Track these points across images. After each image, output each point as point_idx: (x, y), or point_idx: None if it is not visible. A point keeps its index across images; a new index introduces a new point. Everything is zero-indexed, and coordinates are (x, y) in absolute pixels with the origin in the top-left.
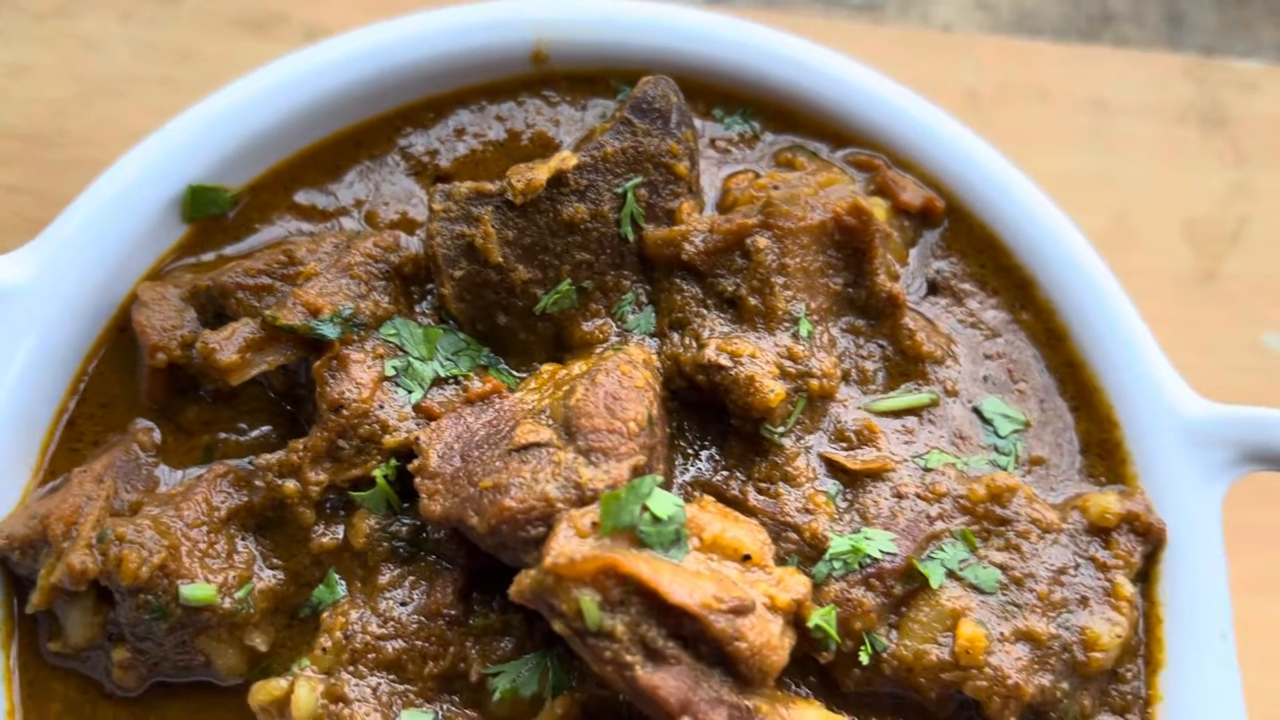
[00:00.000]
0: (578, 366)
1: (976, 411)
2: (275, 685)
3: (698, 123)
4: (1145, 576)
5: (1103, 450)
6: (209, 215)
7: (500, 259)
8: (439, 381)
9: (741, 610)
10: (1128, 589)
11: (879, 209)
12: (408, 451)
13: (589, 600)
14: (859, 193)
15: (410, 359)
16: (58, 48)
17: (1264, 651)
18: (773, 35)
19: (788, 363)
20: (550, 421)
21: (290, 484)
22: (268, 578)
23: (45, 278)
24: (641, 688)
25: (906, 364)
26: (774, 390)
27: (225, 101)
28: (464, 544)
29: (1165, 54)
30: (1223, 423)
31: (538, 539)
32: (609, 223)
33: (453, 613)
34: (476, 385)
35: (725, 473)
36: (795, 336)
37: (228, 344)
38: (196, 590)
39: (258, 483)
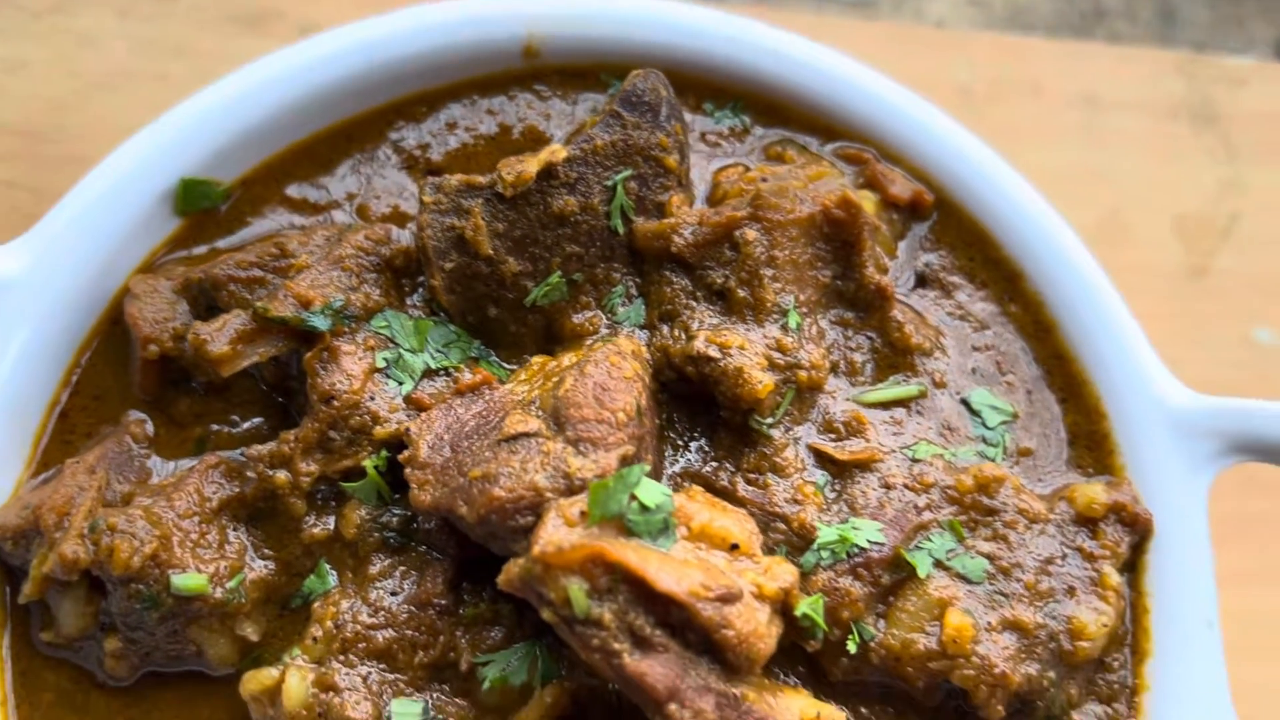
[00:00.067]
0: (567, 358)
1: (965, 403)
2: (266, 674)
3: (688, 116)
4: (1132, 566)
5: (1090, 441)
6: (201, 209)
7: (490, 251)
8: (429, 373)
9: (729, 598)
10: (1114, 579)
11: (868, 202)
12: (398, 442)
13: (577, 588)
14: (848, 186)
15: (401, 351)
16: (54, 44)
17: (1252, 643)
18: (763, 30)
19: (776, 354)
20: (539, 412)
21: (281, 475)
22: (259, 568)
23: (38, 270)
24: (629, 675)
25: (895, 356)
26: (763, 381)
27: (217, 96)
28: (454, 534)
29: (1157, 50)
30: (1209, 414)
31: (526, 528)
32: (599, 215)
33: (443, 602)
34: (467, 377)
35: (714, 464)
36: (784, 328)
37: (219, 335)
38: (188, 580)
39: (249, 474)
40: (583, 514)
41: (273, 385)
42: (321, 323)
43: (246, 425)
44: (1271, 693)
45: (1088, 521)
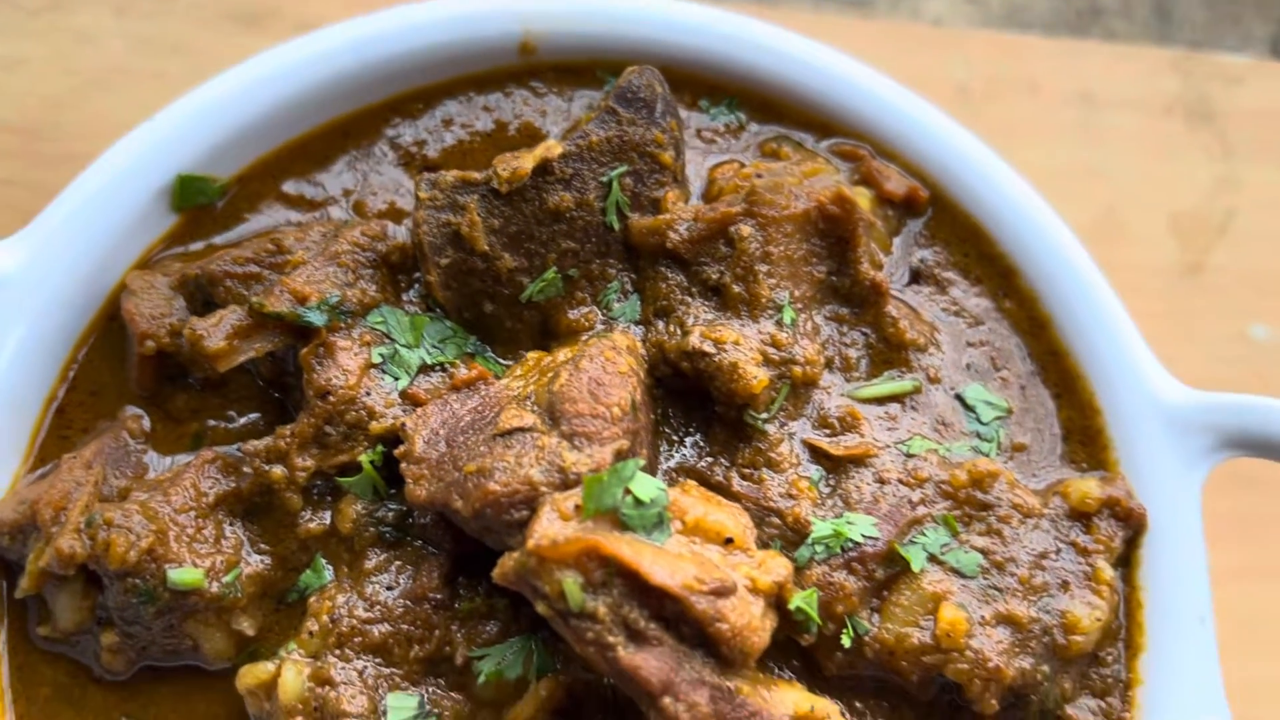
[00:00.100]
0: (563, 353)
1: (959, 398)
2: (262, 669)
3: (684, 113)
4: (1126, 561)
5: (1084, 437)
6: (198, 205)
7: (486, 247)
8: (425, 369)
9: (723, 592)
10: (1108, 573)
11: (863, 198)
12: (394, 437)
13: (571, 582)
14: (843, 182)
15: (397, 346)
16: (52, 41)
17: (1249, 640)
18: (757, 26)
19: (771, 350)
20: (535, 407)
21: (278, 470)
22: (255, 562)
23: (35, 266)
24: (623, 668)
25: (889, 351)
26: (757, 377)
27: (214, 92)
28: (450, 529)
29: (1153, 48)
30: (1203, 409)
31: (521, 522)
32: (594, 211)
33: (438, 597)
34: (462, 372)
35: (709, 459)
36: (779, 324)
37: (215, 330)
38: (184, 574)
39: (245, 469)
40: (577, 508)
41: (269, 381)
42: (317, 318)
43: (243, 421)
44: (1268, 689)
45: (1082, 516)
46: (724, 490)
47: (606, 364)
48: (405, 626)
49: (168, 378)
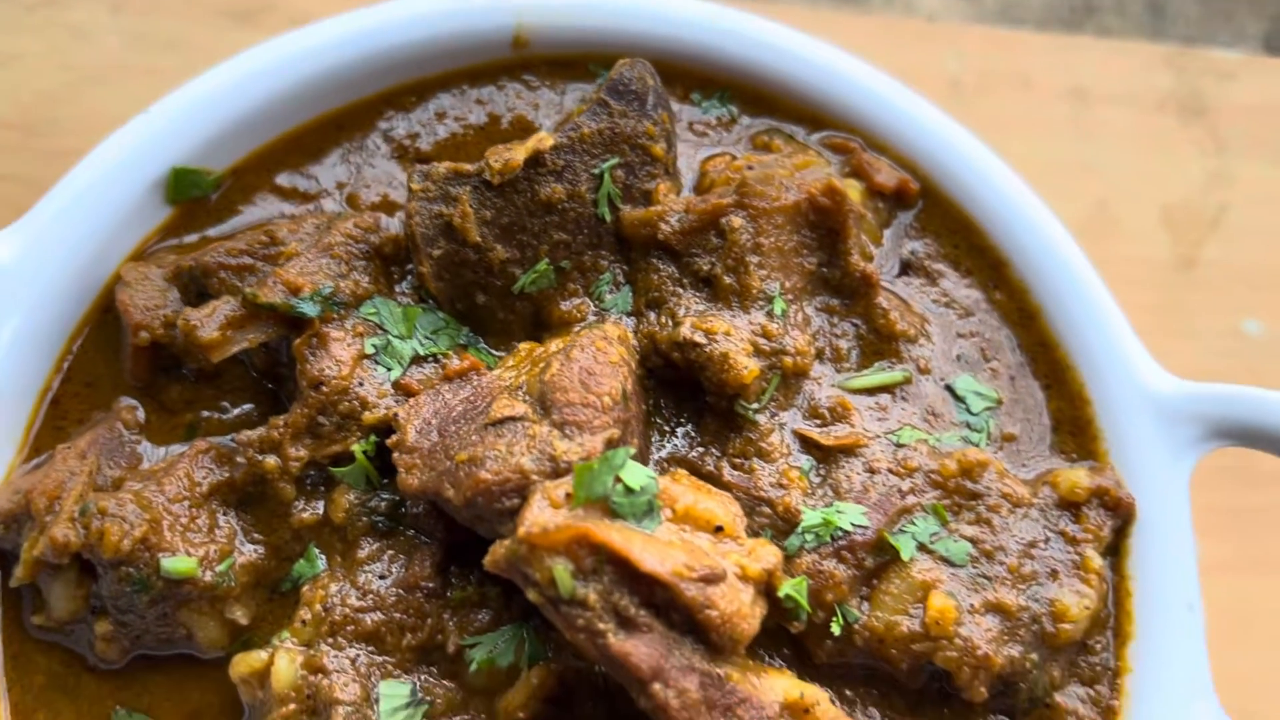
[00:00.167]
0: (554, 344)
1: (949, 389)
2: (255, 657)
3: (676, 106)
4: (1115, 550)
5: (1074, 427)
6: (192, 197)
7: (478, 238)
8: (418, 359)
9: (712, 579)
10: (1097, 562)
11: (853, 190)
12: (387, 428)
13: (562, 569)
14: (834, 174)
15: (390, 337)
16: (47, 37)
17: (1242, 633)
18: (748, 20)
19: (762, 340)
20: (526, 397)
21: (271, 460)
22: (249, 552)
23: (30, 258)
24: (614, 655)
25: (880, 342)
26: (748, 367)
27: (208, 86)
28: (442, 518)
29: (1146, 44)
30: (1191, 399)
31: (513, 510)
32: (586, 203)
33: (431, 585)
34: (455, 363)
35: (701, 449)
36: (770, 315)
37: (209, 321)
38: (177, 563)
39: (239, 459)
40: (568, 496)
41: (263, 372)
42: (311, 309)
43: (237, 412)
44: (1260, 682)
45: (1071, 506)
46: (715, 480)
47: (597, 354)
48: (398, 615)
49: (162, 369)
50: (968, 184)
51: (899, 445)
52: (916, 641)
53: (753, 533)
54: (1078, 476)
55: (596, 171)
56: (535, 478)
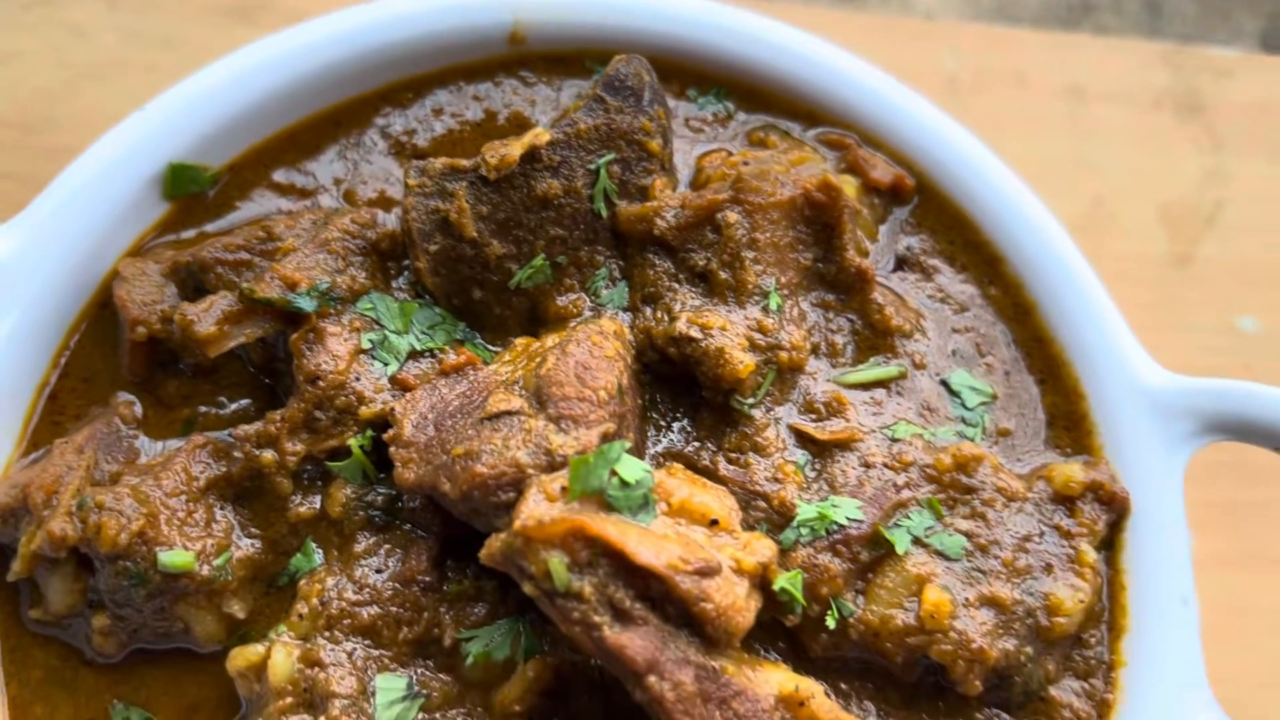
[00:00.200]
0: (550, 339)
1: (944, 384)
2: (252, 651)
3: (672, 103)
4: (1109, 544)
5: (1069, 422)
6: (189, 193)
7: (475, 234)
8: (414, 354)
9: (707, 572)
10: (1091, 556)
11: (849, 186)
12: (384, 422)
13: (557, 562)
14: (829, 170)
15: (386, 332)
16: (44, 35)
17: (1238, 629)
18: (744, 17)
19: (757, 335)
20: (522, 391)
21: (268, 454)
22: (246, 546)
23: (27, 254)
24: (609, 647)
25: (875, 338)
26: (744, 362)
27: (206, 82)
28: (439, 512)
29: (1143, 42)
30: (1185, 393)
31: (508, 504)
32: (582, 199)
33: (427, 579)
34: (451, 358)
35: (696, 444)
36: (765, 310)
37: (206, 316)
38: (175, 557)
39: (236, 453)
40: (564, 489)
41: (260, 367)
42: (307, 304)
43: (234, 407)
44: (1255, 677)
45: (1065, 500)
46: (710, 474)
47: (593, 348)
48: (394, 609)
49: (159, 364)
50: (963, 180)
51: (894, 440)
52: (911, 635)
53: (748, 527)
54: (1072, 471)
55: (592, 167)
56: (531, 471)
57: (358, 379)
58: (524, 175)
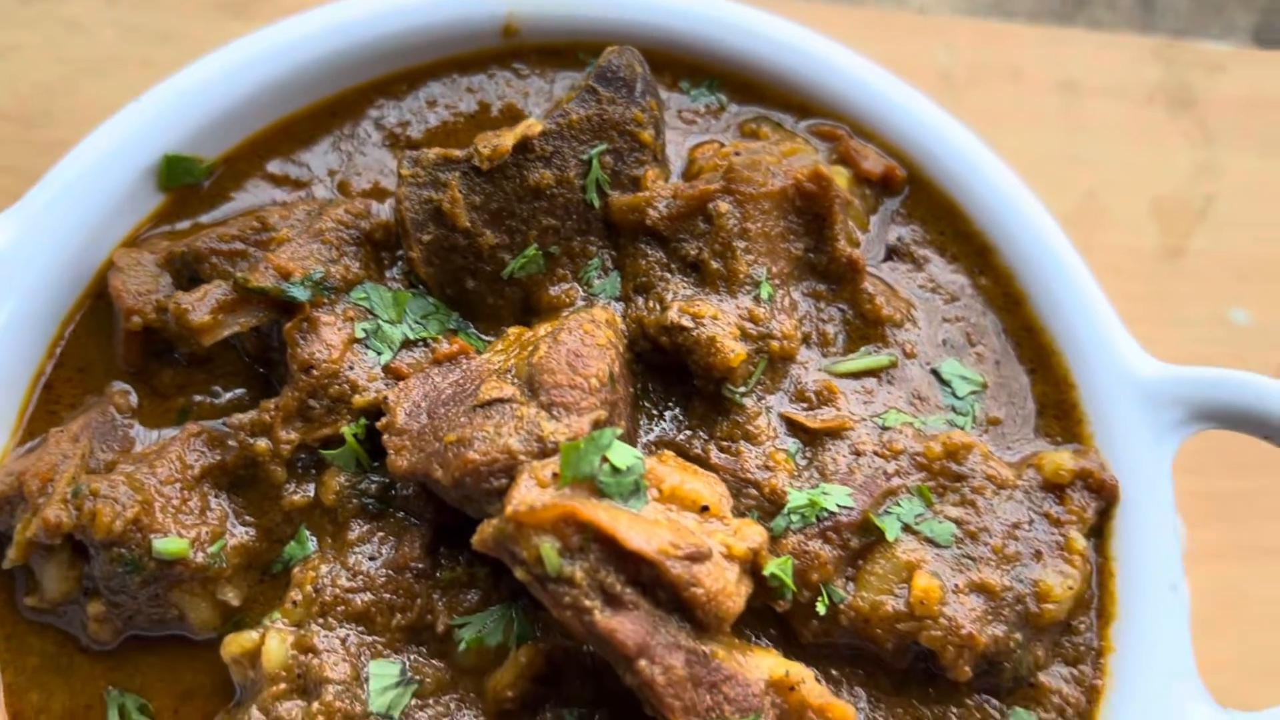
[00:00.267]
0: (543, 328)
1: (935, 373)
2: (247, 637)
3: (664, 94)
4: (1099, 532)
5: (1059, 411)
6: (184, 184)
7: (467, 224)
8: (408, 344)
9: (697, 557)
10: (1080, 543)
11: (840, 177)
12: (377, 411)
13: (549, 547)
14: (821, 161)
15: (380, 322)
16: (43, 29)
17: (1228, 618)
18: (737, 9)
19: (749, 324)
20: (515, 379)
21: (262, 442)
22: (240, 534)
23: (23, 243)
24: (600, 632)
25: (866, 327)
26: (735, 351)
27: (200, 74)
28: (432, 500)
29: (1136, 36)
30: (1175, 382)
31: (500, 490)
32: (575, 189)
33: (420, 566)
34: (444, 347)
35: (688, 432)
36: (756, 299)
37: (200, 305)
38: (169, 544)
39: (230, 442)
40: (555, 475)
41: (254, 356)
42: (301, 294)
43: (228, 396)
44: (1246, 666)
45: (1055, 488)
46: (702, 462)
47: (585, 336)
48: (387, 595)
49: (154, 354)
50: (954, 170)
51: (884, 428)
52: (901, 621)
53: (739, 514)
54: (1062, 459)
55: (585, 158)
56: (523, 458)
57: (351, 368)
58: (517, 165)
